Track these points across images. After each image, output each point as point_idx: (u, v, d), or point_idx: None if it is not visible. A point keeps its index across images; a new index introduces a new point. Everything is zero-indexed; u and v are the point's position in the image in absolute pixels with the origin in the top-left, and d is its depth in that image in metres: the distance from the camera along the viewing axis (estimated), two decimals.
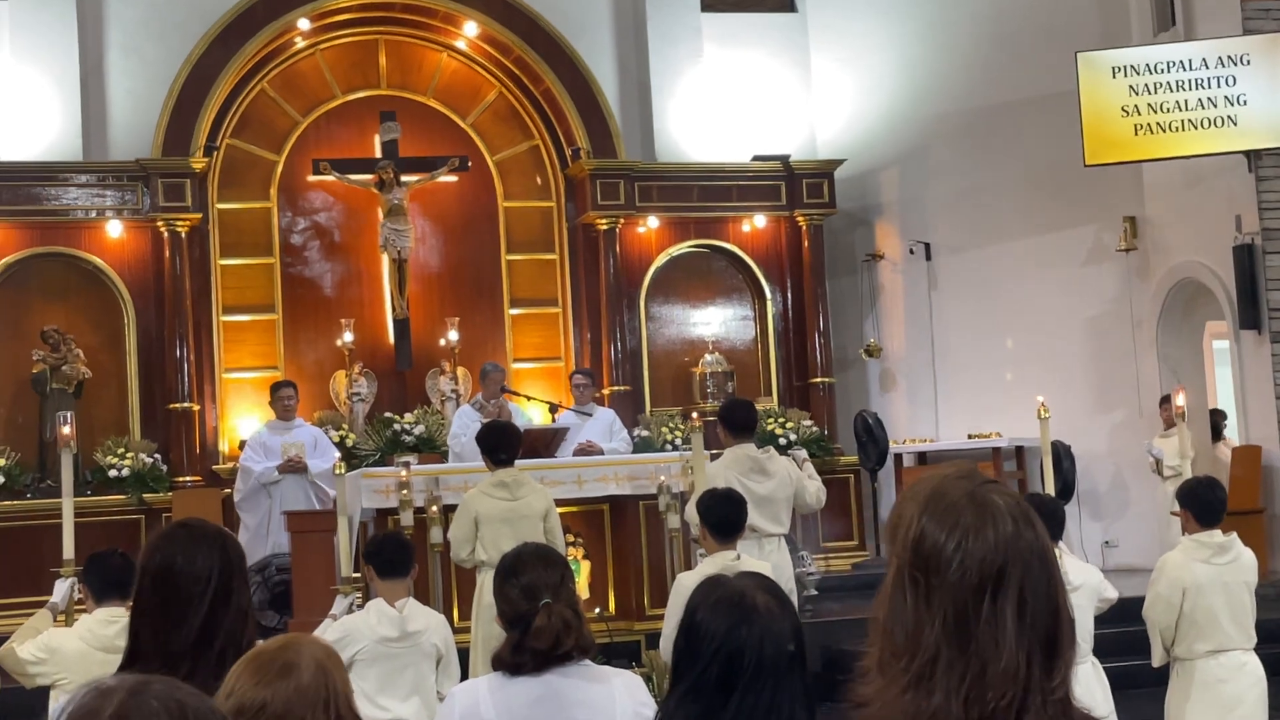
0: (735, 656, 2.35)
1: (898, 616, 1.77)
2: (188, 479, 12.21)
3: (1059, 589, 1.77)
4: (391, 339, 13.15)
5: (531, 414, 12.03)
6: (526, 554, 3.46)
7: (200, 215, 12.64)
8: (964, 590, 1.74)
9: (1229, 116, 11.74)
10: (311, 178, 13.17)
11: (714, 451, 8.43)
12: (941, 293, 14.13)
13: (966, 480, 1.82)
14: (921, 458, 13.73)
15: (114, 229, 12.47)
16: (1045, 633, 1.74)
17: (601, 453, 10.59)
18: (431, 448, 12.26)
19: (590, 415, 11.14)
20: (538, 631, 3.27)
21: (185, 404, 12.35)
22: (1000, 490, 1.82)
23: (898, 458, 13.58)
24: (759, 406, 11.34)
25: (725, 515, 6.11)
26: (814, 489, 8.04)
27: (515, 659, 3.28)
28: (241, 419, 12.72)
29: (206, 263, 12.84)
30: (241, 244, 13.02)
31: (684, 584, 6.06)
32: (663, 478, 9.16)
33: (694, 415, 8.50)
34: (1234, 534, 6.13)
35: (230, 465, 12.17)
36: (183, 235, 12.51)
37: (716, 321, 13.91)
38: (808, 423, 13.46)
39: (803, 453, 8.40)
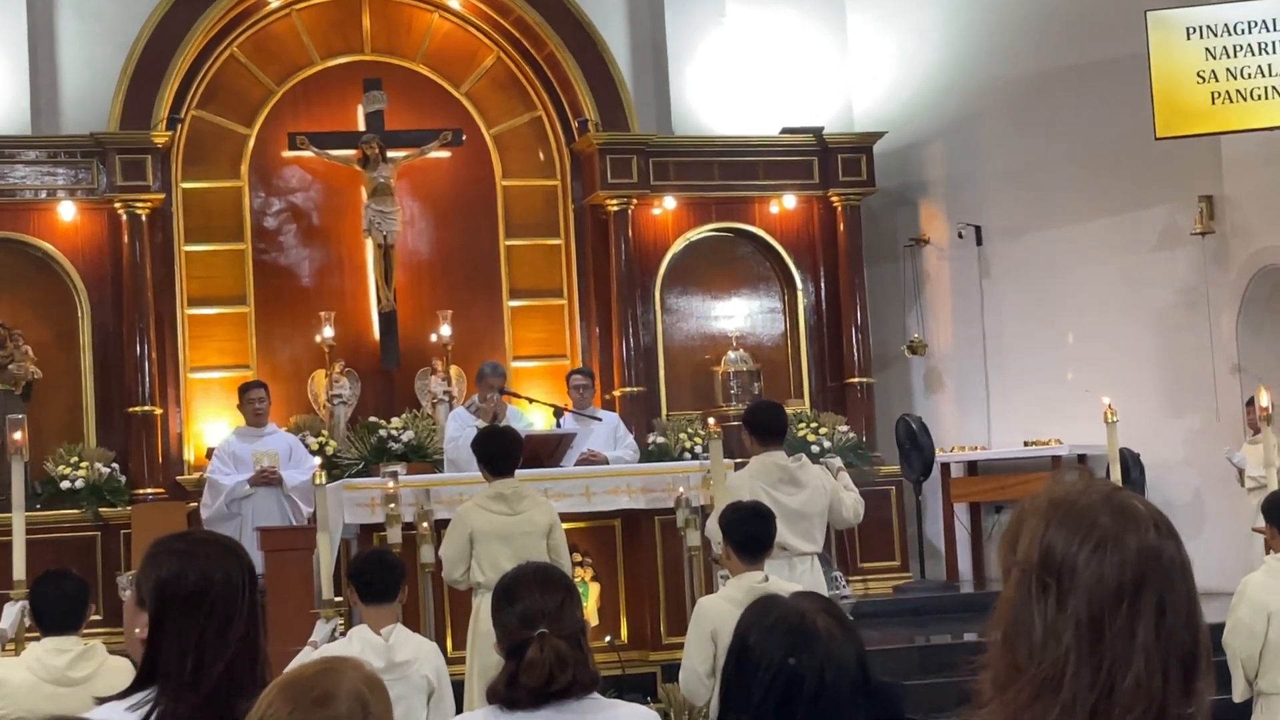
0: (794, 684, 2.34)
1: (1022, 627, 1.83)
2: (149, 491, 12.23)
3: (1199, 607, 1.85)
4: (377, 334, 13.16)
5: (533, 418, 12.02)
6: (524, 576, 3.48)
7: (163, 196, 12.65)
8: (1100, 596, 1.81)
9: None
10: (287, 154, 13.19)
11: (738, 460, 8.46)
12: (994, 281, 14.13)
13: (1099, 486, 1.90)
14: (972, 467, 13.72)
15: (66, 211, 12.50)
16: (1183, 651, 1.80)
17: (606, 462, 10.61)
18: (421, 456, 12.28)
19: (598, 420, 11.17)
20: (528, 666, 3.29)
21: (146, 407, 12.37)
22: (1139, 497, 1.90)
23: (945, 467, 13.57)
24: (789, 410, 11.27)
25: (751, 531, 6.10)
26: (851, 502, 8.04)
27: (510, 694, 3.30)
28: (209, 424, 12.74)
29: (170, 249, 12.85)
30: (209, 228, 13.03)
31: (705, 609, 6.06)
32: (681, 490, 9.18)
33: (714, 420, 8.49)
34: None
35: (196, 476, 12.20)
36: (143, 218, 12.53)
37: (741, 315, 13.92)
38: (843, 428, 13.47)
39: (837, 461, 8.41)
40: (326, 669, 2.43)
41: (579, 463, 10.52)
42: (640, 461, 11.24)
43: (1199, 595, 1.86)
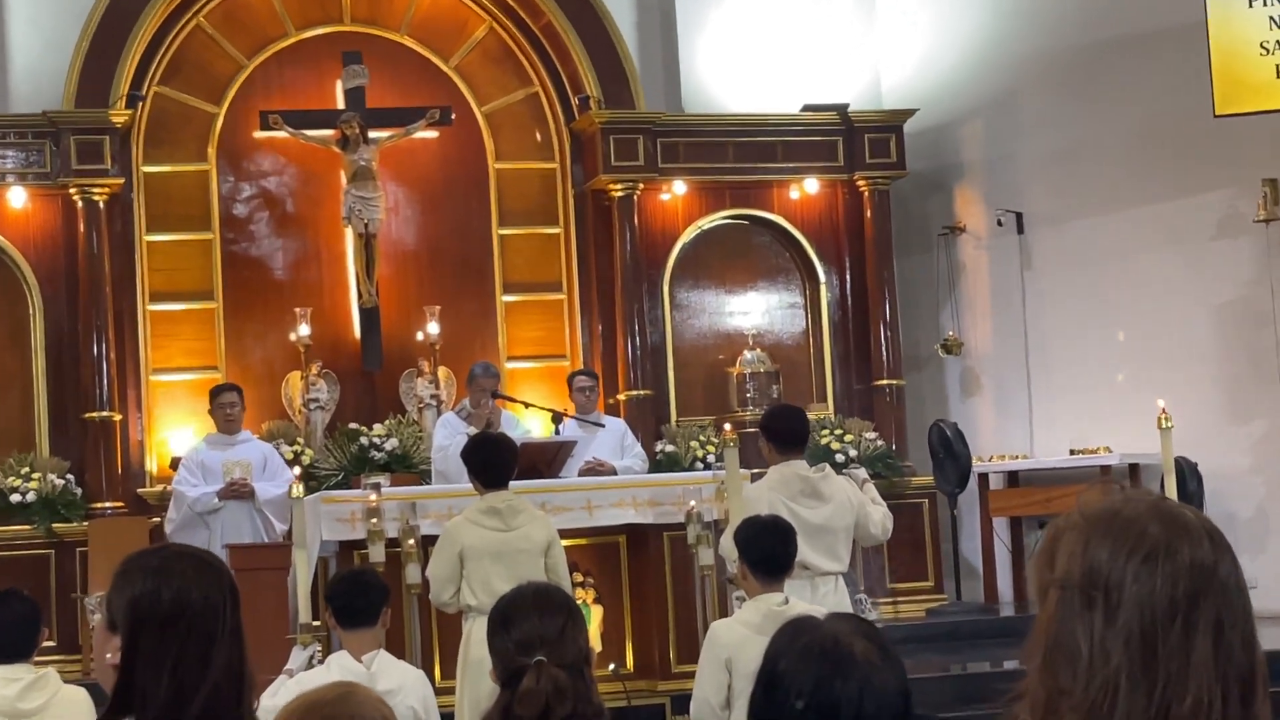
0: (828, 714, 2.34)
1: (1066, 648, 1.86)
2: (107, 505, 12.24)
3: (1255, 627, 1.89)
4: (357, 333, 13.18)
5: (530, 424, 12.00)
6: (523, 598, 3.49)
7: (122, 181, 12.66)
8: (1152, 610, 1.84)
9: None
10: (259, 134, 13.19)
11: (755, 471, 8.44)
12: (1036, 274, 14.12)
13: (1143, 494, 1.94)
14: (1012, 478, 13.71)
15: (16, 197, 12.51)
16: (1241, 672, 1.84)
17: (613, 472, 10.61)
18: (407, 466, 12.30)
19: (602, 426, 11.16)
20: (524, 696, 3.30)
21: (104, 413, 12.38)
22: (1188, 506, 1.95)
23: (983, 478, 13.56)
24: (811, 415, 11.30)
25: (770, 549, 6.11)
26: (878, 517, 8.04)
27: None
28: (173, 431, 12.76)
29: (130, 239, 12.87)
30: (173, 216, 13.04)
31: (719, 635, 6.06)
32: (692, 503, 9.20)
33: (729, 426, 8.49)
34: None
35: (160, 488, 12.22)
36: (100, 205, 12.54)
37: (758, 310, 13.93)
38: (871, 435, 13.47)
39: (862, 472, 8.41)
40: (346, 693, 2.44)
41: (582, 473, 10.52)
42: (649, 472, 11.24)
43: (1259, 617, 1.89)
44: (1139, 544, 1.88)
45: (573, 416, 11.17)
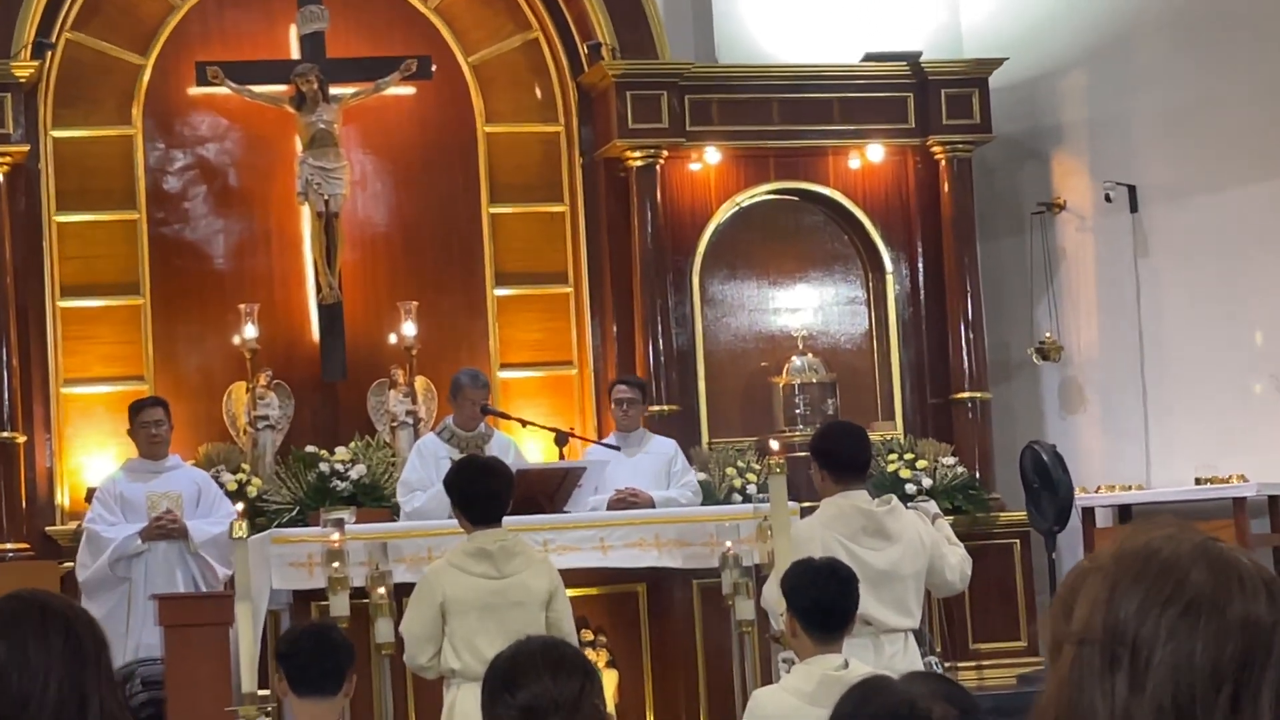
0: None
1: (1082, 717, 1.84)
2: (8, 547, 12.25)
3: None
4: (315, 334, 13.19)
5: (528, 447, 12.02)
6: (528, 655, 3.50)
7: (26, 148, 12.69)
8: (1191, 676, 1.81)
9: None
10: (194, 90, 13.20)
11: (806, 505, 8.40)
12: (1153, 261, 14.09)
13: (1188, 534, 1.91)
14: (1124, 513, 13.66)
15: None
16: None
17: (652, 505, 10.61)
18: (376, 499, 12.30)
19: (616, 448, 11.16)
20: None
21: (4, 434, 12.40)
22: (1241, 550, 1.91)
23: (1087, 513, 13.52)
24: (874, 436, 11.29)
25: (825, 599, 6.11)
26: (955, 560, 8.03)
27: None
28: (89, 456, 12.76)
29: (36, 219, 12.88)
30: (89, 191, 13.05)
31: (762, 705, 6.06)
32: (728, 543, 9.16)
33: (775, 448, 8.46)
34: None
35: (73, 525, 12.18)
36: (1, 178, 12.57)
37: (809, 307, 13.91)
38: (949, 461, 13.46)
39: (932, 505, 8.42)
40: None
41: (614, 504, 10.54)
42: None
43: None
44: (1178, 593, 1.85)
45: (584, 438, 11.17)
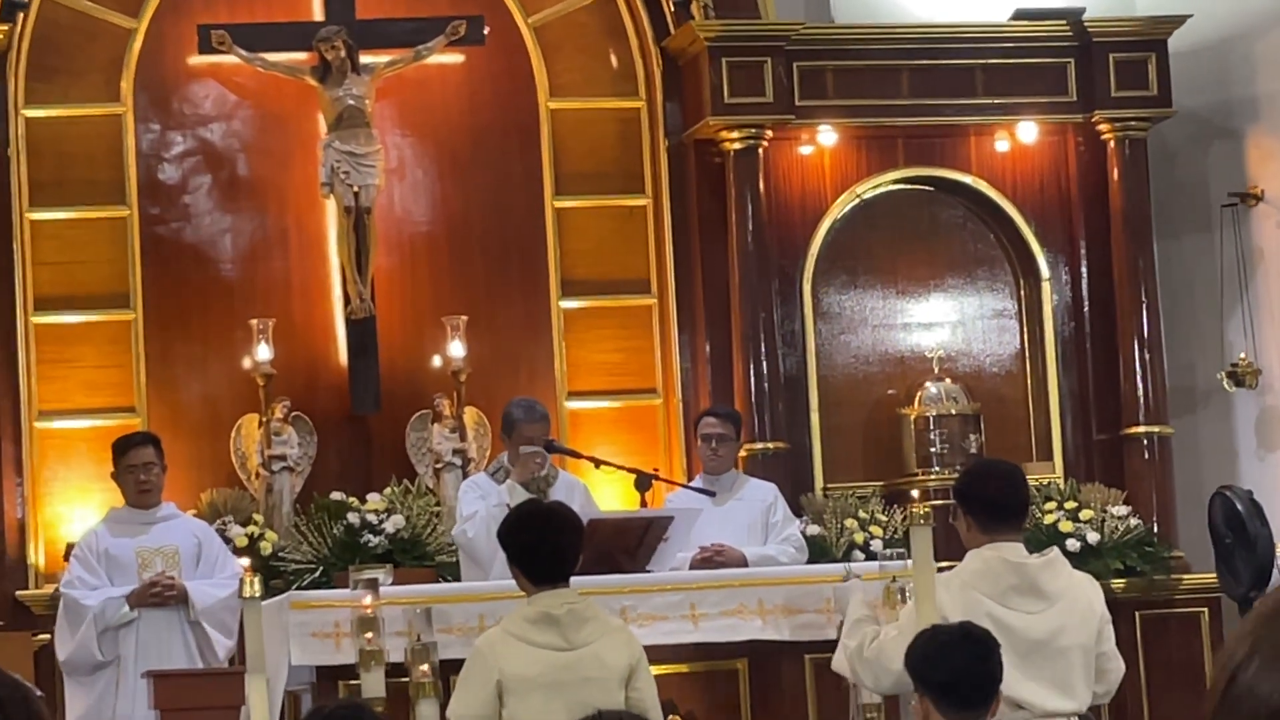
0: None
1: None
2: None
3: None
4: (343, 357, 13.23)
5: (603, 493, 12.01)
6: None
7: None
8: None
9: None
10: (196, 59, 13.26)
11: (942, 565, 8.33)
12: None
13: None
14: None
15: None
16: None
17: (744, 565, 10.61)
18: (417, 556, 12.33)
19: (712, 494, 11.15)
20: None
21: None
22: None
23: None
24: (1030, 478, 11.14)
25: (961, 669, 6.17)
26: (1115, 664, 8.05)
27: None
28: (68, 505, 12.81)
29: (5, 216, 12.93)
30: (69, 182, 13.13)
31: None
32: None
33: (914, 495, 8.36)
34: None
35: (49, 590, 12.20)
36: None
37: (947, 321, 13.93)
38: (1120, 510, 13.39)
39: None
40: None
41: (694, 566, 10.51)
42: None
43: None
44: None
45: (673, 481, 11.12)
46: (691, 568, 10.51)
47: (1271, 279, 14.29)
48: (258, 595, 7.41)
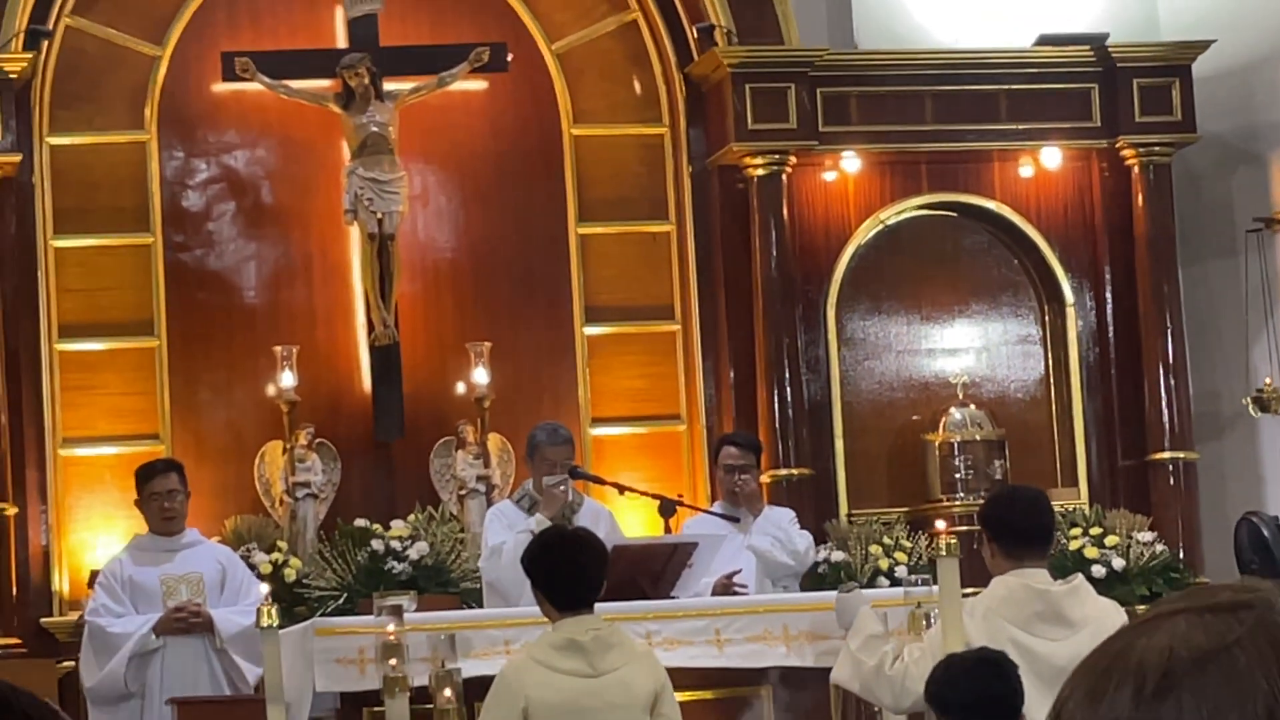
0: None
1: None
2: None
3: None
4: (367, 383, 13.24)
5: (627, 520, 12.00)
6: None
7: (18, 158, 12.78)
8: None
9: None
10: (220, 87, 13.28)
11: (969, 591, 8.32)
12: None
13: (1262, 596, 1.90)
14: None
15: None
16: None
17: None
18: (441, 582, 12.33)
19: (736, 520, 11.12)
20: None
21: None
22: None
23: None
24: (1055, 504, 11.14)
25: (978, 695, 6.14)
26: None
27: None
28: (92, 532, 12.81)
29: (30, 244, 12.96)
30: (93, 210, 13.15)
31: None
32: None
33: (941, 525, 8.44)
34: None
35: (74, 616, 12.21)
36: None
37: (972, 347, 13.93)
38: (1145, 536, 13.35)
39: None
40: None
41: (718, 592, 10.49)
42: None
43: None
44: (1246, 703, 1.82)
45: (694, 507, 11.11)
46: (714, 594, 10.47)
47: None
48: (275, 625, 7.39)
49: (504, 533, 10.60)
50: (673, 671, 8.16)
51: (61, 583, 12.73)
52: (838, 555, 12.92)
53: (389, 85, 13.05)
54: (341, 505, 12.99)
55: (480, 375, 13.00)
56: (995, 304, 13.96)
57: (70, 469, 12.91)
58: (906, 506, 13.34)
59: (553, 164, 13.67)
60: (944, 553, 7.90)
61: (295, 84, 13.10)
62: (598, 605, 7.90)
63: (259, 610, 7.65)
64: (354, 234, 13.10)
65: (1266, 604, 1.89)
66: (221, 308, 13.24)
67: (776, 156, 13.32)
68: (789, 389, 13.25)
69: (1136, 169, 13.79)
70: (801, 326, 13.42)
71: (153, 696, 10.85)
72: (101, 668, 10.97)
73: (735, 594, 10.54)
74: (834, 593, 10.82)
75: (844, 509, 13.40)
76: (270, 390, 12.95)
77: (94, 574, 11.82)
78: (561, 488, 10.75)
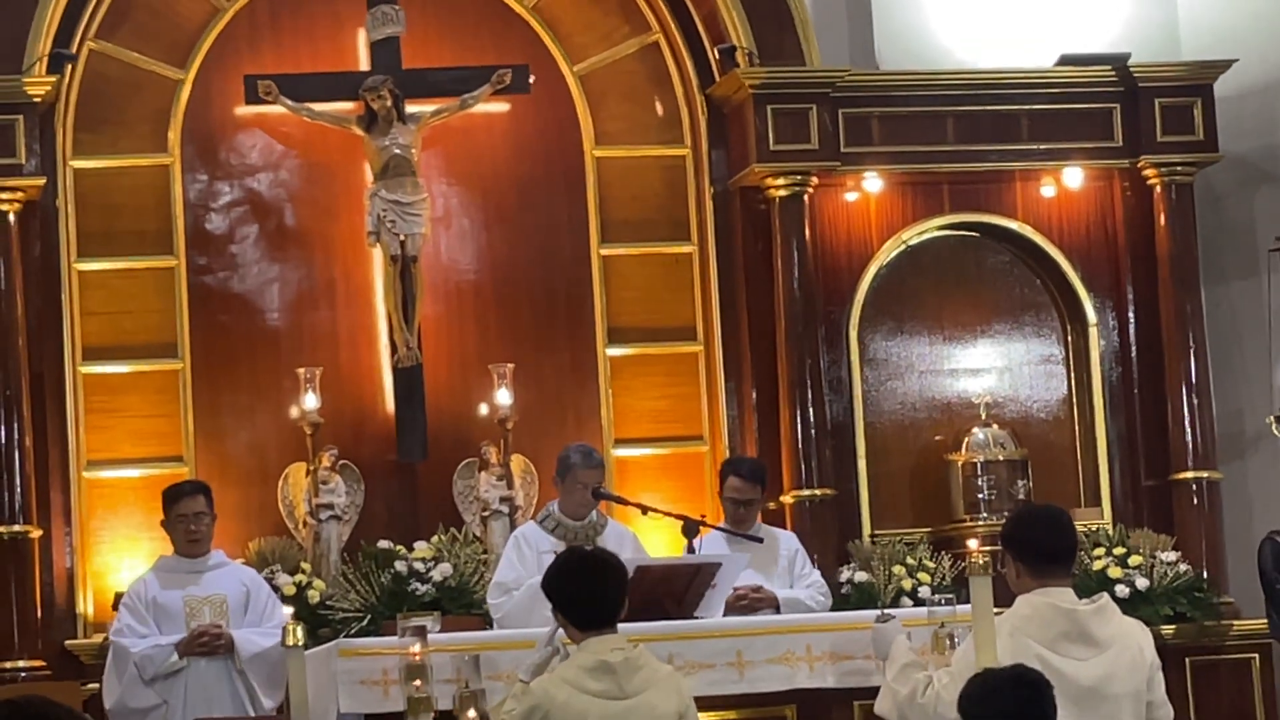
0: None
1: None
2: (21, 665, 12.31)
3: None
4: (390, 405, 13.24)
5: (650, 540, 11.99)
6: None
7: (41, 181, 12.79)
8: None
9: None
10: (243, 110, 13.30)
11: (994, 611, 8.27)
12: None
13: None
14: None
15: None
16: None
17: (775, 608, 10.63)
18: (465, 604, 12.32)
19: (759, 540, 11.12)
20: None
21: (14, 527, 12.44)
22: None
23: None
24: (1079, 524, 11.15)
25: (1012, 715, 6.10)
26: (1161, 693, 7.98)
27: None
28: (117, 554, 12.82)
29: (54, 266, 13.00)
30: (117, 233, 13.17)
31: None
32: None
33: (971, 545, 8.34)
34: None
35: (98, 638, 12.22)
36: (11, 217, 12.68)
37: (994, 368, 13.93)
38: (1169, 556, 13.33)
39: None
40: None
41: (730, 609, 10.47)
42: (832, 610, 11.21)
43: None
44: None
45: (716, 527, 11.12)
46: (727, 607, 10.45)
47: None
48: (300, 644, 7.39)
49: (514, 569, 10.66)
50: (695, 695, 8.07)
51: (86, 605, 12.74)
52: (861, 576, 12.93)
53: (411, 108, 13.05)
54: (365, 527, 12.98)
55: (503, 396, 12.99)
56: (1018, 324, 13.95)
57: (94, 491, 12.92)
58: (930, 527, 13.34)
59: (575, 185, 13.68)
60: (977, 571, 7.87)
61: (318, 106, 13.13)
62: (623, 627, 7.80)
63: (285, 629, 7.63)
64: (377, 256, 13.11)
65: None
66: (245, 330, 13.25)
67: (798, 177, 13.32)
68: (811, 410, 13.24)
69: (1158, 189, 13.78)
70: (824, 347, 13.42)
71: (175, 717, 10.82)
72: (123, 687, 10.94)
73: (756, 608, 10.59)
74: (855, 613, 10.87)
75: (867, 529, 13.38)
76: (294, 412, 12.98)
77: (118, 596, 11.82)
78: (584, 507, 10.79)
